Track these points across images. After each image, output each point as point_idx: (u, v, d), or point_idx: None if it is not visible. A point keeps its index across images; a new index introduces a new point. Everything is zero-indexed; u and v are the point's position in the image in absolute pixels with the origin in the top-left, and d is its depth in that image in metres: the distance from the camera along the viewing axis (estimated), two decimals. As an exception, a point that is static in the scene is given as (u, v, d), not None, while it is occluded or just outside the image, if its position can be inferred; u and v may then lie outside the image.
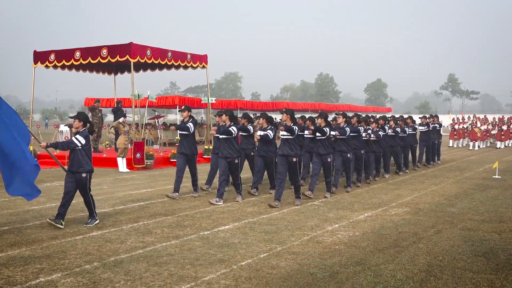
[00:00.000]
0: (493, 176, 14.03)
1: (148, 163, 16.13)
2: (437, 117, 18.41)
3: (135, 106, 18.08)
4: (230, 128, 9.71)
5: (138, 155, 15.72)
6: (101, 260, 6.01)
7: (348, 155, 11.15)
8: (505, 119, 32.21)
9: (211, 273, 5.52)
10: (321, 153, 10.28)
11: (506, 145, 28.94)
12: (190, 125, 10.32)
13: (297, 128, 9.72)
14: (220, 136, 10.03)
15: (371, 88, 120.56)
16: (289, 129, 9.39)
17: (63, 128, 25.91)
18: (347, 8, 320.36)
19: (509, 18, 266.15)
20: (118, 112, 18.59)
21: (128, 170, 15.53)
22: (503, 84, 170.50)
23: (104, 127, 20.13)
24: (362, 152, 12.17)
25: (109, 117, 41.83)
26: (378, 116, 16.54)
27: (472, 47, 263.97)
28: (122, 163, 15.57)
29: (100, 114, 18.93)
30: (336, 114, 11.36)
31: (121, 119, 16.53)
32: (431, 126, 17.20)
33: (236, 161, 9.83)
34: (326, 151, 10.23)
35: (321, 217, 8.55)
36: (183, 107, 11.27)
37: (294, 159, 9.48)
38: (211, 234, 7.34)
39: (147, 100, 18.11)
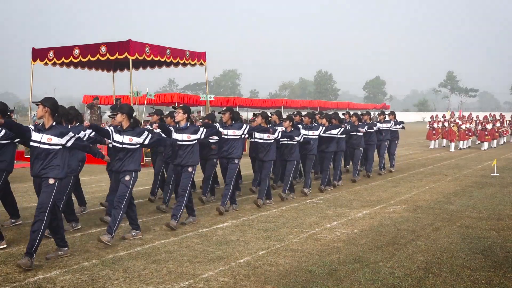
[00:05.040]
0: (492, 174, 14.04)
1: (147, 160, 16.13)
2: (394, 114, 15.12)
3: (134, 104, 18.06)
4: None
5: (136, 152, 15.71)
6: (100, 257, 6.01)
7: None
8: (490, 117, 26.97)
9: (209, 270, 5.52)
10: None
11: (491, 146, 25.00)
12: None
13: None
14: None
15: (369, 85, 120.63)
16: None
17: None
18: (346, 6, 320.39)
19: (509, 16, 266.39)
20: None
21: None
22: (502, 82, 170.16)
23: (103, 124, 20.12)
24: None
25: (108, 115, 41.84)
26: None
27: (471, 44, 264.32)
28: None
29: (98, 112, 18.94)
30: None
31: (119, 117, 16.50)
32: (376, 126, 13.71)
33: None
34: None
35: (320, 215, 8.56)
36: None
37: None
38: (210, 232, 7.34)
39: (145, 98, 18.10)
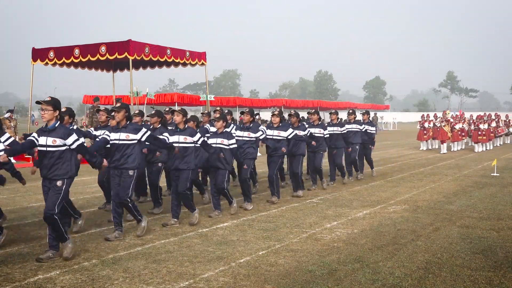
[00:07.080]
0: (492, 174, 14.04)
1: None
2: (368, 114, 13.27)
3: (134, 104, 18.06)
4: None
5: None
6: (100, 257, 6.01)
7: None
8: (485, 117, 25.14)
9: (209, 270, 5.52)
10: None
11: (486, 148, 23.36)
12: None
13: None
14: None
15: (369, 85, 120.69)
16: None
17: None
18: (346, 6, 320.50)
19: (509, 15, 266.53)
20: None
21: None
22: (502, 82, 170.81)
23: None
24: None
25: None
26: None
27: (471, 44, 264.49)
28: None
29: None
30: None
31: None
32: (346, 127, 11.98)
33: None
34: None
35: (320, 215, 8.56)
36: None
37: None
38: (210, 232, 7.34)
39: (145, 98, 18.10)
